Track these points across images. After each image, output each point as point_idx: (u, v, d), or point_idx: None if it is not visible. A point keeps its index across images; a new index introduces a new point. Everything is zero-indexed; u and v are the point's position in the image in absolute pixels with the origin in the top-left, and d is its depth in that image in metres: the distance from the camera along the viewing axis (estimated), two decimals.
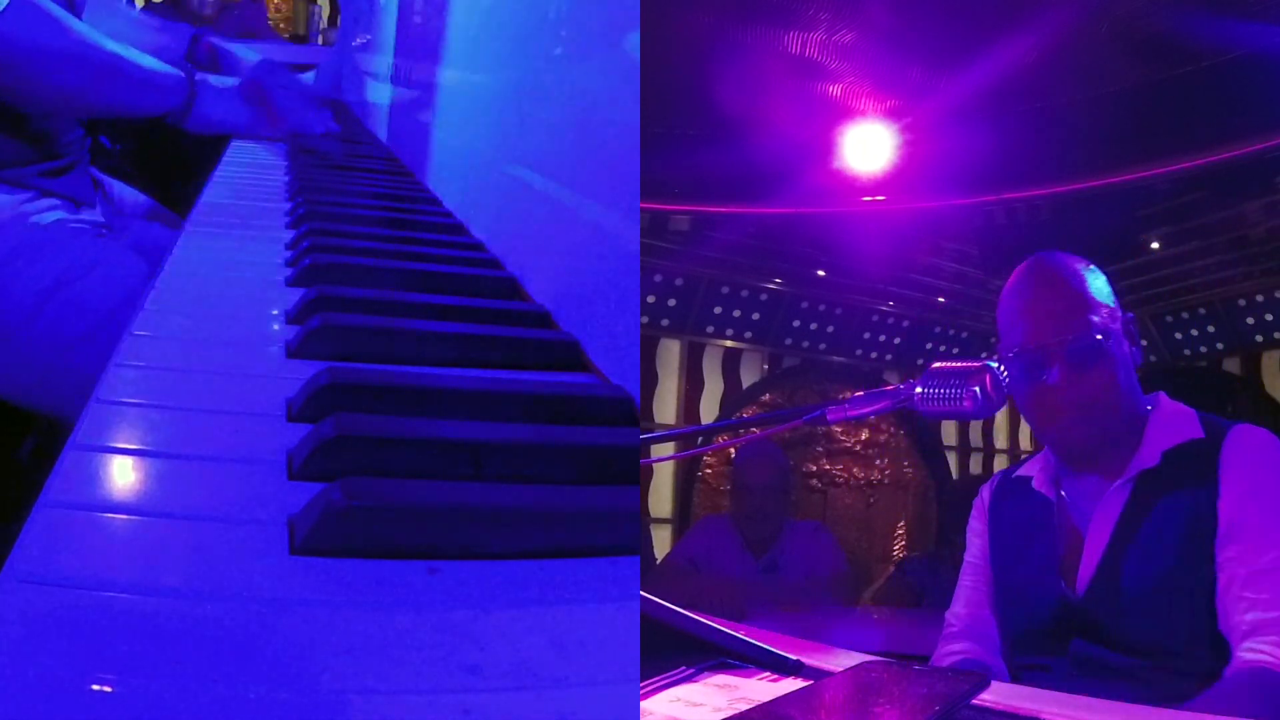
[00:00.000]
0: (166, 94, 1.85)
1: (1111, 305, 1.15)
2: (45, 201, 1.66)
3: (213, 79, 1.95)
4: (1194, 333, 4.04)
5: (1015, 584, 1.19)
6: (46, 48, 1.59)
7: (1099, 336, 1.10)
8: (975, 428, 4.35)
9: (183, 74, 1.88)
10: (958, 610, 1.24)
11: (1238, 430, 1.09)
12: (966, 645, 1.21)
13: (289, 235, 1.33)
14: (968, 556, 1.26)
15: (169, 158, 2.45)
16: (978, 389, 0.92)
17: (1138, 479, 1.10)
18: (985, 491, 1.27)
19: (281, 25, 4.41)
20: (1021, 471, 1.23)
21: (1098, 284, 1.15)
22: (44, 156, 1.70)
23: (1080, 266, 1.16)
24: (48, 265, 1.54)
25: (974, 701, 0.60)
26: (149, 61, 1.82)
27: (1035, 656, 1.15)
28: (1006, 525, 1.22)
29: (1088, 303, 1.12)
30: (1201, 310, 3.95)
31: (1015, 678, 1.17)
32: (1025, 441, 4.39)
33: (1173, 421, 1.12)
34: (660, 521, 3.69)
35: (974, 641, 1.21)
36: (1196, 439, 1.09)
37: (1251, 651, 0.97)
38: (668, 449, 2.97)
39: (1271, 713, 0.97)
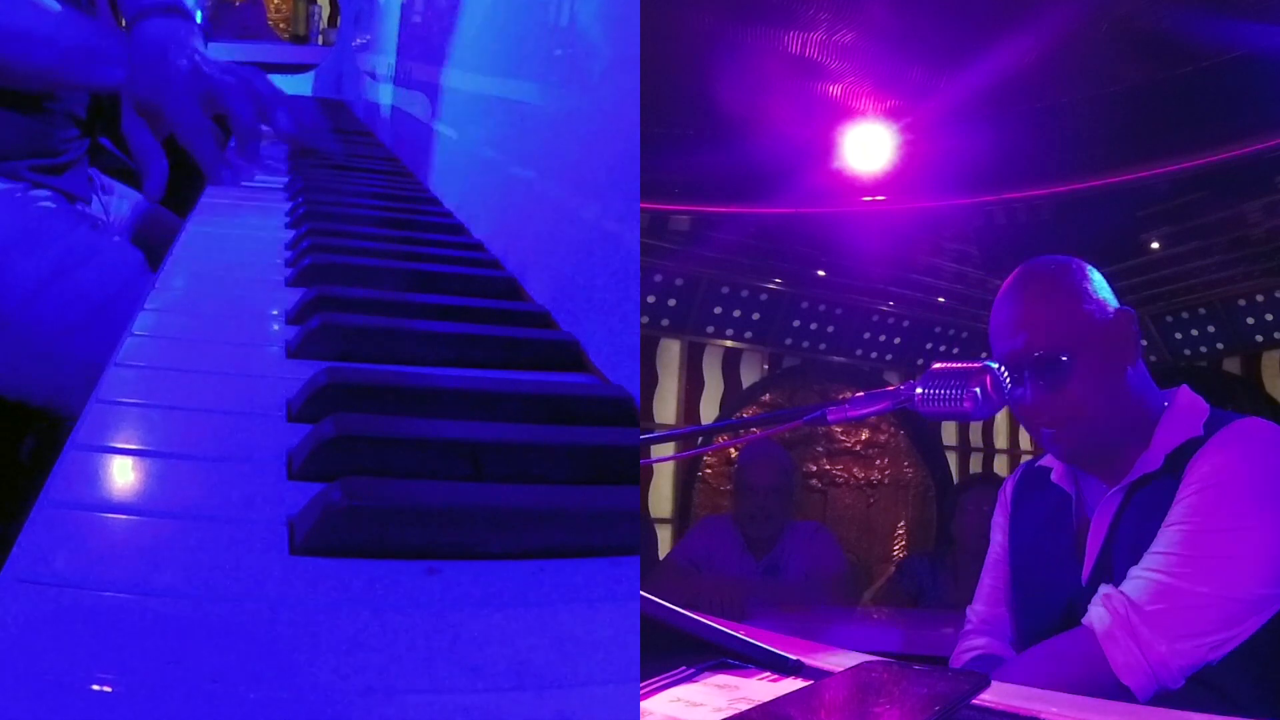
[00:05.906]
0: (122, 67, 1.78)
1: (1100, 307, 1.09)
2: (40, 192, 1.66)
3: None
4: (1194, 333, 4.04)
5: (1033, 579, 1.16)
6: (25, 31, 1.57)
7: (1064, 357, 1.05)
8: (975, 428, 4.35)
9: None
10: (977, 607, 1.22)
11: (1230, 428, 1.05)
12: (985, 641, 1.19)
13: (289, 235, 1.33)
14: (990, 551, 1.24)
15: (169, 158, 2.45)
16: (978, 389, 0.92)
17: (1138, 481, 1.07)
18: (1009, 484, 1.24)
19: (281, 25, 4.40)
20: (1044, 462, 1.19)
21: (1082, 286, 1.10)
22: (37, 152, 1.68)
23: (1061, 270, 1.11)
24: (46, 252, 1.54)
25: (974, 701, 0.60)
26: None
27: None
28: (1027, 518, 1.19)
29: (1059, 313, 1.07)
30: (1201, 310, 3.95)
31: None
32: (1025, 442, 4.39)
33: (1182, 420, 1.08)
34: (660, 521, 3.68)
35: (992, 637, 1.19)
36: (1194, 438, 1.05)
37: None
38: (668, 449, 2.97)
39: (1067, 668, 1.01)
